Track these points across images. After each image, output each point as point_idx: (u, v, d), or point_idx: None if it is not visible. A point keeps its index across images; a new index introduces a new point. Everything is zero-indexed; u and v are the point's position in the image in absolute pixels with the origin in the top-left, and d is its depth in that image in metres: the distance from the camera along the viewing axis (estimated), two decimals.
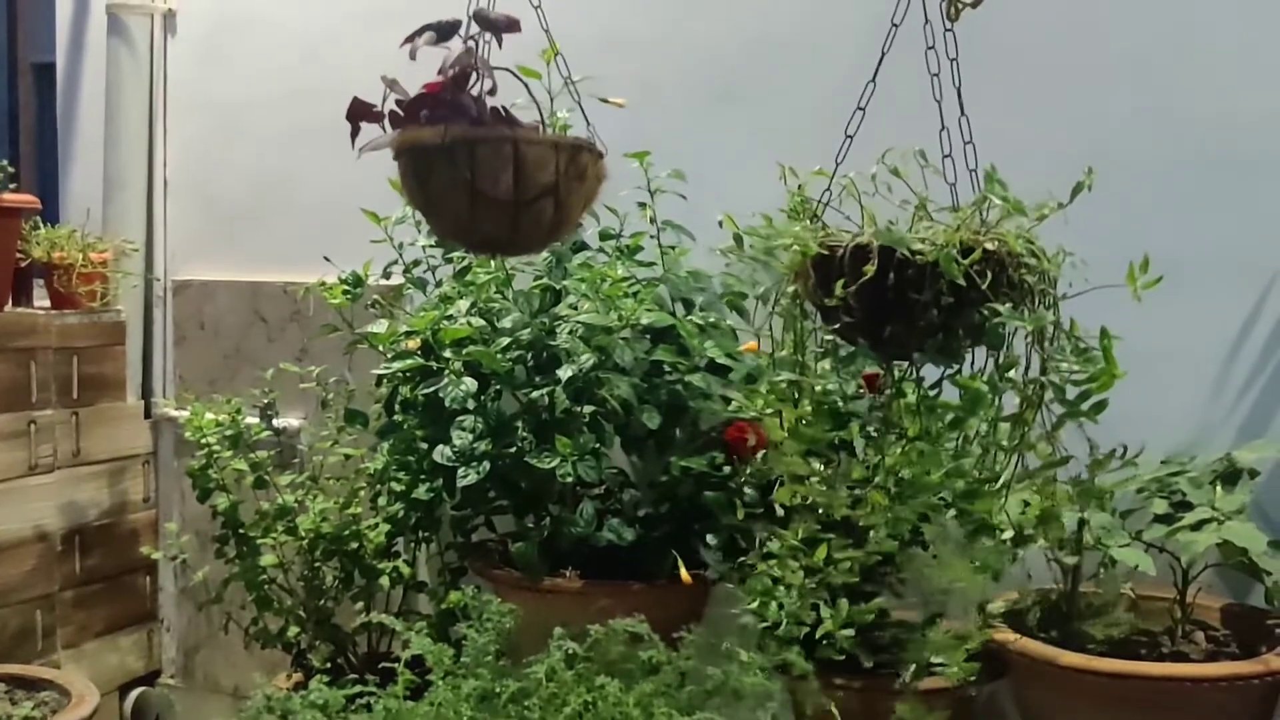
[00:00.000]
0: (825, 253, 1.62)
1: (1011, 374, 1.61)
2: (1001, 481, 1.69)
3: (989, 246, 1.56)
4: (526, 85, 1.76)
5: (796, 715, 1.84)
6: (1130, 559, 1.90)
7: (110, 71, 3.14)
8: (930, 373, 1.75)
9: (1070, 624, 1.95)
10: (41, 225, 3.01)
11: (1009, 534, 1.79)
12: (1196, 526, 1.87)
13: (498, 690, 1.28)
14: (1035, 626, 1.97)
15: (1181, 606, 1.99)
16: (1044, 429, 1.63)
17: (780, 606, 1.87)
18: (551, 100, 2.05)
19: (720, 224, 1.91)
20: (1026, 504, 1.81)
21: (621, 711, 1.17)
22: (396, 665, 1.47)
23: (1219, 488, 1.94)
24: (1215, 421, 2.14)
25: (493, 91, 1.62)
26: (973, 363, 1.66)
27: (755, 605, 1.87)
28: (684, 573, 2.13)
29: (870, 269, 1.52)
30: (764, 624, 1.86)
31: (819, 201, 1.77)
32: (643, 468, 2.32)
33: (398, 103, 1.60)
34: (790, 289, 1.70)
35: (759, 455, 2.09)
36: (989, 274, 1.53)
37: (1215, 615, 2.04)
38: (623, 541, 2.19)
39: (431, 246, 2.44)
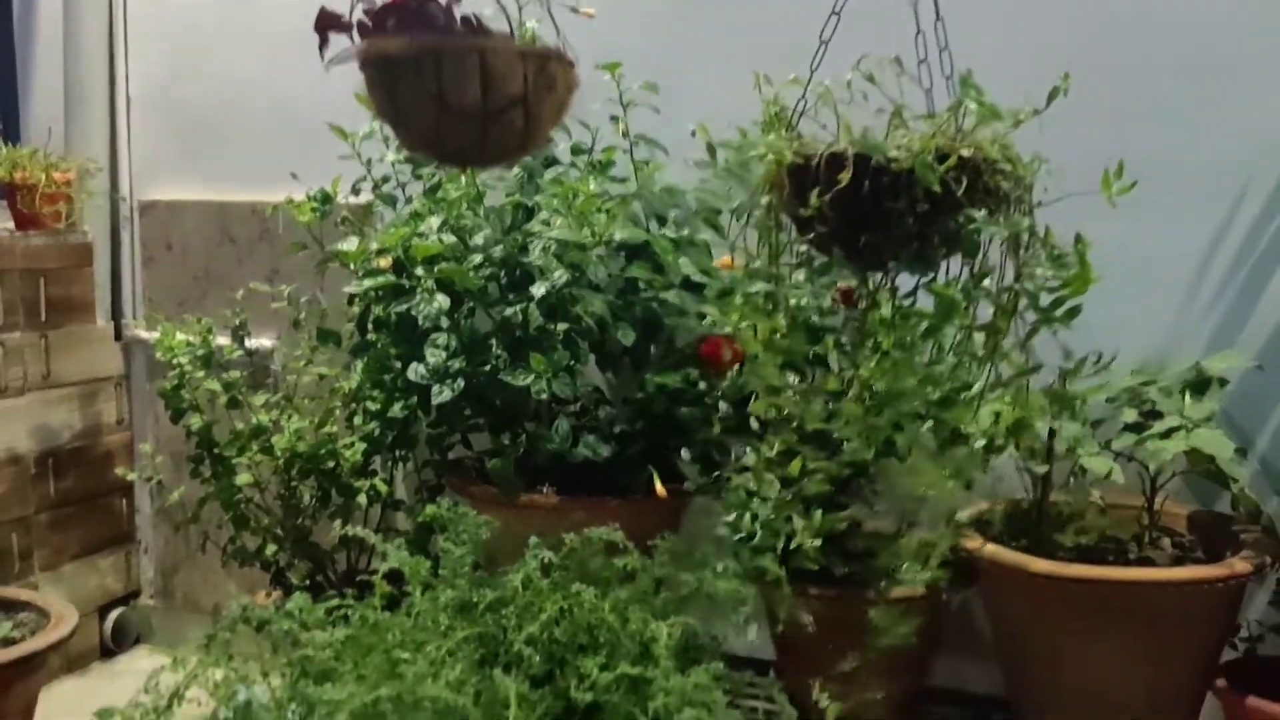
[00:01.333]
0: (800, 161, 1.60)
1: (986, 282, 1.61)
2: (975, 390, 1.69)
3: (964, 153, 1.55)
4: None
5: (770, 622, 1.87)
6: (1100, 467, 1.93)
7: None
8: (905, 284, 1.75)
9: (1040, 532, 1.98)
10: (2, 145, 2.96)
11: (981, 443, 1.80)
12: (1166, 434, 1.89)
13: (475, 600, 1.29)
14: (1005, 534, 2.00)
15: (1149, 513, 2.02)
16: (1017, 338, 1.63)
17: (755, 518, 1.89)
18: (520, 10, 2.01)
19: (694, 134, 1.89)
20: (998, 414, 1.82)
21: (597, 617, 1.18)
22: (374, 578, 1.48)
23: (1188, 396, 1.96)
24: (1185, 331, 2.15)
25: (449, 7, 1.59)
26: (947, 272, 1.66)
27: (732, 517, 1.89)
28: (659, 487, 2.15)
29: (845, 177, 1.50)
30: (739, 535, 1.89)
31: (794, 110, 1.75)
32: (618, 384, 2.32)
33: (365, 12, 1.57)
34: (765, 199, 1.68)
35: (734, 370, 2.10)
36: (965, 180, 1.52)
37: (1182, 522, 2.08)
38: (598, 457, 2.20)
39: (401, 162, 2.41)
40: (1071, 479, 1.98)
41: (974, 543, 1.91)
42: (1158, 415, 1.95)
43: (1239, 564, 1.83)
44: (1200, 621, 1.90)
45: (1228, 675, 1.94)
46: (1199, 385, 1.98)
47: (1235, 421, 2.09)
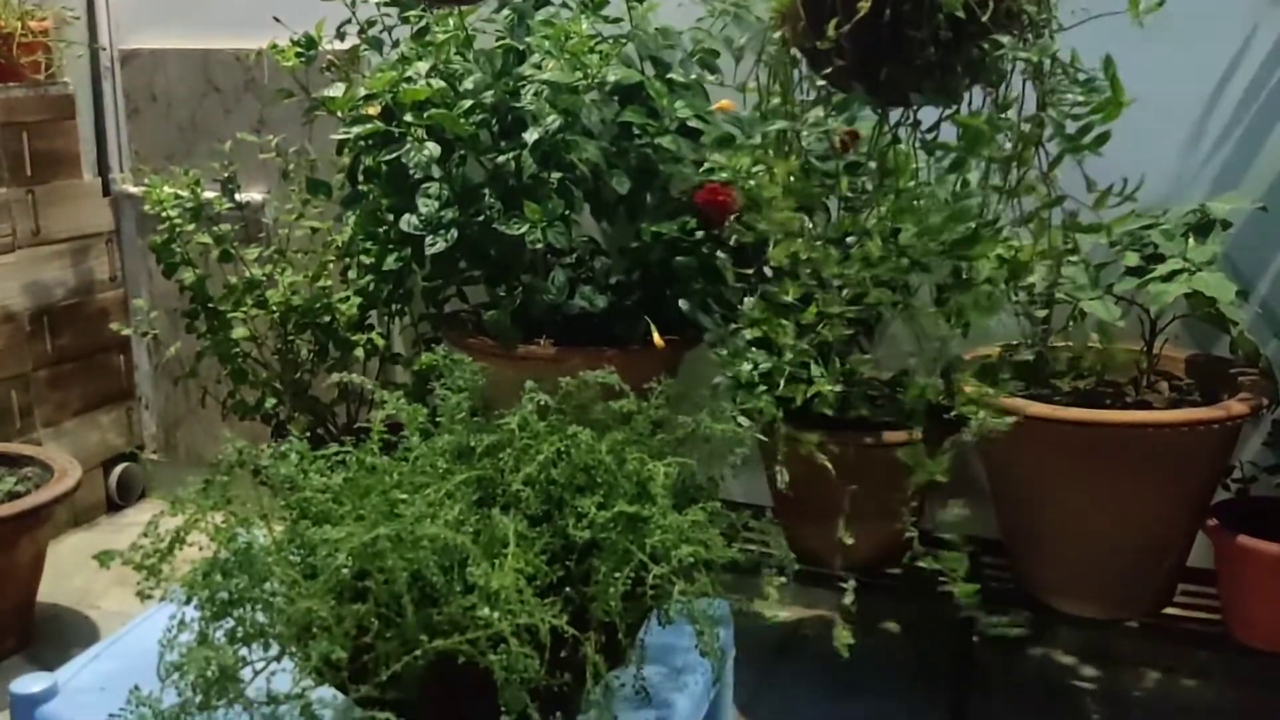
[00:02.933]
0: None
1: (1010, 112, 1.55)
2: (1000, 226, 1.66)
3: None
4: None
5: (766, 464, 1.88)
6: (1100, 311, 1.92)
7: None
8: (926, 118, 1.70)
9: (1038, 376, 1.98)
10: None
11: (985, 286, 1.78)
12: (1167, 277, 1.87)
13: (472, 444, 1.29)
14: (1003, 379, 2.00)
15: (1148, 357, 2.02)
16: (1040, 170, 1.58)
17: (755, 367, 1.89)
18: None
19: None
20: (1002, 258, 1.80)
21: (594, 458, 1.18)
22: (371, 426, 1.48)
23: (1191, 239, 1.93)
24: (1190, 173, 2.12)
25: None
26: (969, 104, 1.60)
27: (732, 367, 1.88)
28: (657, 337, 2.14)
29: (865, 5, 1.44)
30: (738, 385, 1.88)
31: None
32: (613, 234, 2.29)
33: None
34: (777, 34, 1.62)
35: (733, 218, 2.06)
36: (989, 5, 1.46)
37: (1180, 366, 2.08)
38: (595, 308, 2.18)
39: (386, 4, 2.33)
40: (1071, 323, 1.97)
41: (971, 386, 1.90)
42: (1159, 258, 1.93)
43: (1235, 406, 1.84)
44: (1195, 463, 1.91)
45: (1219, 515, 1.97)
46: (1202, 228, 1.96)
47: (1237, 264, 2.07)
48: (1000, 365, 1.98)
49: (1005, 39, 1.47)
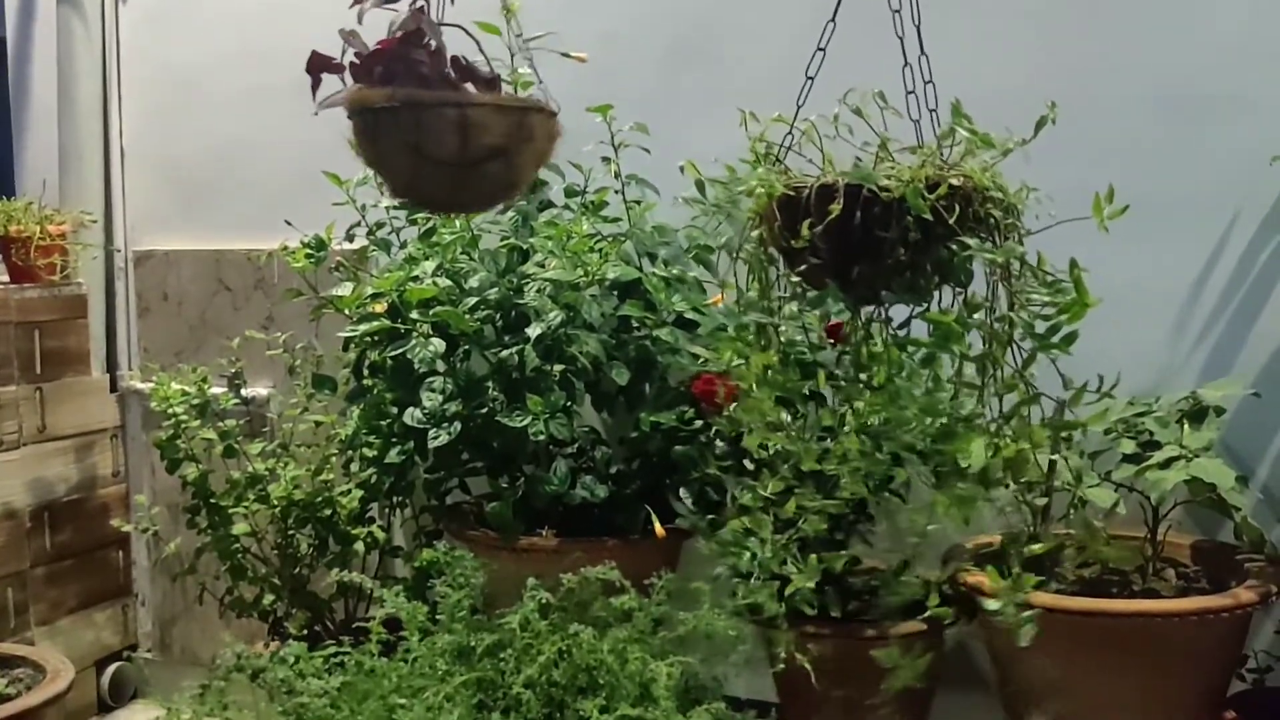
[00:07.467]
0: (790, 194, 1.61)
1: (979, 312, 1.60)
2: (977, 421, 1.68)
3: (954, 181, 1.55)
4: (478, 42, 1.74)
5: (769, 660, 1.85)
6: (1100, 499, 1.92)
7: (62, 41, 3.09)
8: (898, 315, 1.75)
9: (1041, 565, 1.96)
10: None
11: (986, 477, 1.79)
12: (1165, 464, 1.88)
13: (472, 644, 1.28)
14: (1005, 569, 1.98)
15: (1152, 544, 2.01)
16: (1014, 367, 1.62)
17: (753, 557, 1.88)
18: (513, 56, 2.02)
19: (682, 170, 1.89)
20: (996, 447, 1.81)
21: (596, 658, 1.17)
22: (371, 625, 1.47)
23: (1186, 426, 1.95)
24: (1179, 361, 2.15)
25: (438, 52, 1.60)
26: (939, 304, 1.66)
27: (728, 557, 1.87)
28: (658, 527, 2.14)
29: (836, 208, 1.50)
30: (737, 575, 1.87)
31: (781, 145, 1.76)
32: (613, 424, 2.32)
33: (357, 54, 1.58)
34: (755, 233, 1.68)
35: (728, 407, 2.09)
36: (956, 209, 1.52)
37: (1186, 552, 2.07)
38: (596, 499, 2.19)
39: (395, 208, 2.42)
40: (1071, 511, 1.96)
41: (974, 577, 1.89)
42: (1155, 446, 1.94)
43: (1244, 594, 1.82)
44: (1207, 653, 1.88)
45: (1236, 707, 1.92)
46: (1196, 414, 1.98)
47: (1234, 450, 2.08)
48: (1004, 555, 1.97)
49: (973, 241, 1.52)
